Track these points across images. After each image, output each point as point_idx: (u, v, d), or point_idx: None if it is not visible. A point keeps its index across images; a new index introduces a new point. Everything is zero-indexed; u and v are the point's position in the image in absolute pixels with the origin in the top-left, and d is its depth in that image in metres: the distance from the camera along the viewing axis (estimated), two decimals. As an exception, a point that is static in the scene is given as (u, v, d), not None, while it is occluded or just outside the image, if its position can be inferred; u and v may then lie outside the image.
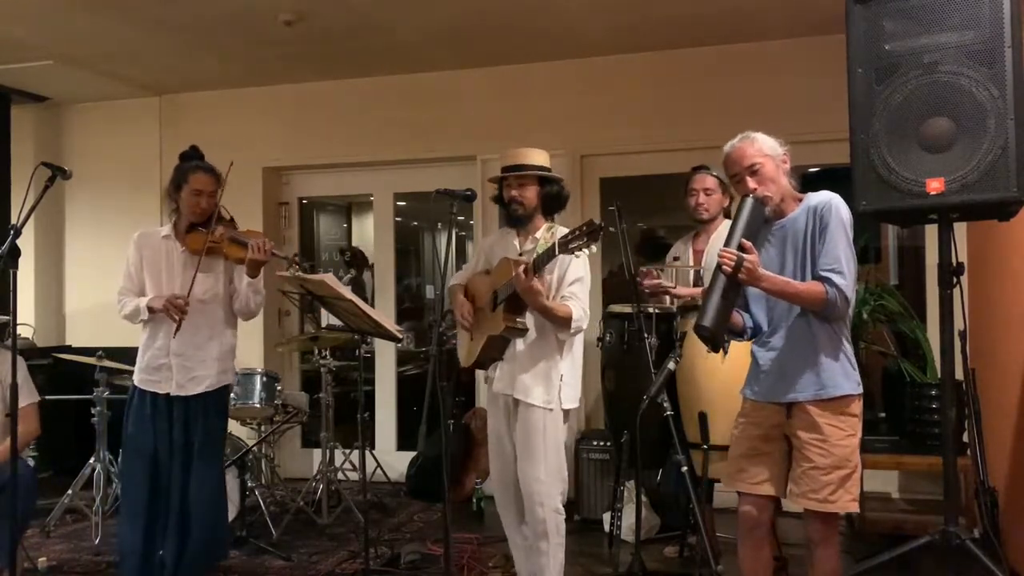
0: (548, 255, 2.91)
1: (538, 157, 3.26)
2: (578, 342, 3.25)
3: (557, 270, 3.13)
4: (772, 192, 2.67)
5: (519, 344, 3.17)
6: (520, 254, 3.21)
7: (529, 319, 3.13)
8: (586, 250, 2.82)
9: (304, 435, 5.98)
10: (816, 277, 2.58)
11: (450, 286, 3.45)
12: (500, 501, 3.35)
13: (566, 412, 3.20)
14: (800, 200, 2.73)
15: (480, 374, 4.87)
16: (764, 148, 2.70)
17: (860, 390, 2.64)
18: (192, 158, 3.52)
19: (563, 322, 3.08)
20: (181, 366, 3.39)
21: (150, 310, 3.37)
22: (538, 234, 3.24)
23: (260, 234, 3.47)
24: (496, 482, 3.35)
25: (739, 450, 2.75)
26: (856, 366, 2.67)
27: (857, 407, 2.64)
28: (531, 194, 3.23)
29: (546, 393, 3.13)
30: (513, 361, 3.19)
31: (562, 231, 3.14)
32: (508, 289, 3.04)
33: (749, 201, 2.62)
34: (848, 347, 2.66)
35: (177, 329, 3.33)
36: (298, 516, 4.68)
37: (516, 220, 3.29)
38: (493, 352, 3.21)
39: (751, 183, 2.67)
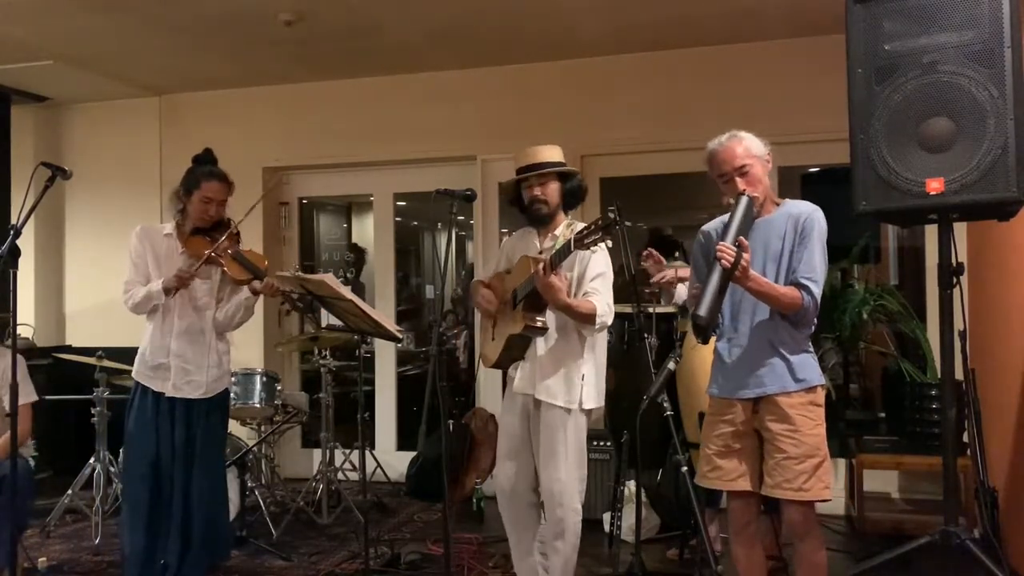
0: (564, 251, 2.90)
1: (554, 154, 3.23)
2: (601, 342, 3.21)
3: (577, 266, 3.09)
4: (759, 194, 2.73)
5: (540, 344, 3.14)
6: (540, 252, 3.17)
7: (551, 319, 3.10)
8: (601, 244, 2.83)
9: (304, 435, 5.98)
10: (793, 283, 2.65)
11: (472, 283, 3.46)
12: (506, 500, 3.31)
13: (587, 412, 3.17)
14: (777, 204, 2.79)
15: (482, 374, 4.88)
16: (752, 149, 2.76)
17: (823, 380, 2.73)
18: (206, 162, 3.48)
19: (587, 318, 3.04)
20: (179, 368, 3.39)
21: (166, 292, 3.32)
22: (557, 231, 3.20)
23: (264, 259, 3.44)
24: (503, 480, 3.30)
25: (711, 448, 2.79)
26: (816, 357, 2.76)
27: (821, 397, 2.72)
28: (553, 191, 3.20)
29: (568, 393, 3.11)
30: (534, 361, 3.15)
31: (581, 226, 3.09)
32: (527, 287, 3.02)
33: (744, 199, 2.65)
34: (809, 343, 2.74)
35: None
36: (298, 516, 4.68)
37: (539, 219, 3.25)
38: (514, 352, 3.18)
39: (741, 184, 2.71)
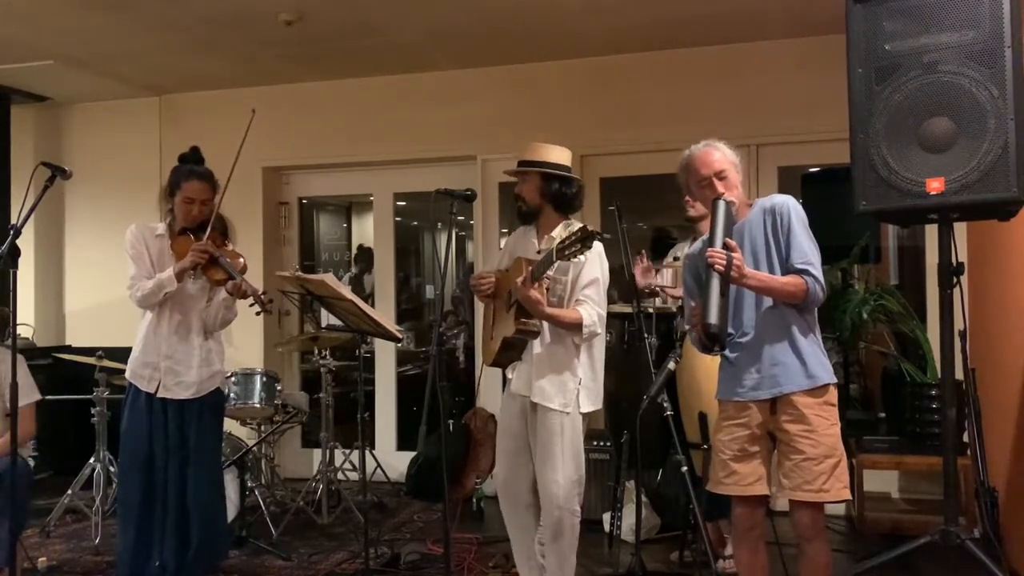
0: (546, 262, 2.89)
1: (547, 153, 3.19)
2: (599, 345, 3.19)
3: (572, 271, 3.08)
4: (735, 198, 2.74)
5: (536, 346, 3.13)
6: (538, 252, 3.16)
7: (546, 322, 3.09)
8: (582, 256, 2.82)
9: (304, 435, 5.98)
10: (791, 271, 2.65)
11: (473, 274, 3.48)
12: (504, 500, 3.31)
13: (585, 415, 3.15)
14: (750, 205, 2.81)
15: (482, 374, 4.89)
16: (728, 156, 2.78)
17: (835, 379, 2.73)
18: (191, 161, 3.47)
19: (573, 328, 3.04)
20: (169, 368, 3.38)
21: (178, 278, 3.29)
22: (554, 232, 3.18)
23: (241, 260, 3.40)
24: (501, 480, 3.31)
25: (727, 453, 2.76)
26: (826, 354, 2.76)
27: (835, 396, 2.71)
28: (531, 191, 3.18)
29: (563, 397, 3.09)
30: (530, 363, 3.15)
31: (576, 226, 3.05)
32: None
33: (723, 204, 2.67)
34: (819, 339, 2.73)
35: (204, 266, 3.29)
36: (298, 516, 4.68)
37: (522, 216, 3.26)
38: (510, 353, 3.17)
39: (720, 187, 2.72)
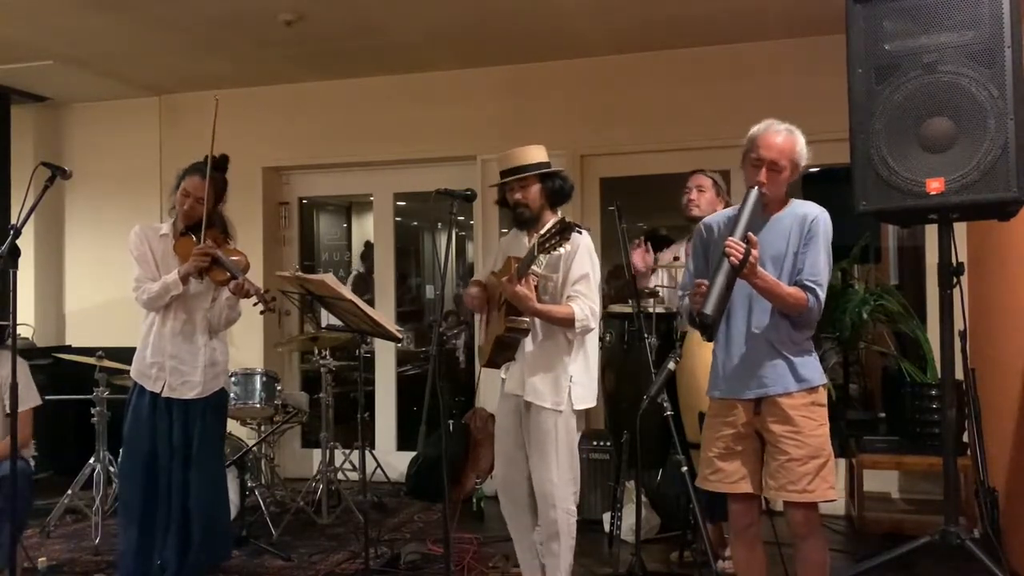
0: (529, 257, 2.90)
1: (534, 154, 3.20)
2: (591, 342, 3.19)
3: (562, 267, 3.09)
4: (772, 195, 2.69)
5: (528, 345, 3.13)
6: None
7: (537, 320, 3.10)
8: (561, 248, 2.84)
9: (304, 435, 5.98)
10: (798, 284, 2.63)
11: (470, 282, 3.49)
12: (504, 499, 3.32)
13: (579, 413, 3.15)
14: (785, 203, 2.76)
15: (482, 374, 4.90)
16: (795, 153, 2.68)
17: (826, 380, 2.72)
18: (215, 167, 3.44)
19: (566, 323, 3.04)
20: (174, 368, 3.39)
21: (183, 280, 3.31)
22: (544, 229, 3.19)
23: (242, 259, 3.41)
24: (500, 480, 3.32)
25: (713, 451, 2.76)
26: (817, 357, 2.74)
27: (824, 397, 2.71)
28: (534, 194, 3.18)
29: (555, 395, 3.10)
30: (523, 362, 3.15)
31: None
32: None
33: (754, 194, 2.62)
34: (811, 348, 2.73)
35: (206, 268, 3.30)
36: (298, 516, 4.68)
37: (524, 222, 3.24)
38: (504, 351, 3.18)
39: (763, 176, 2.65)
